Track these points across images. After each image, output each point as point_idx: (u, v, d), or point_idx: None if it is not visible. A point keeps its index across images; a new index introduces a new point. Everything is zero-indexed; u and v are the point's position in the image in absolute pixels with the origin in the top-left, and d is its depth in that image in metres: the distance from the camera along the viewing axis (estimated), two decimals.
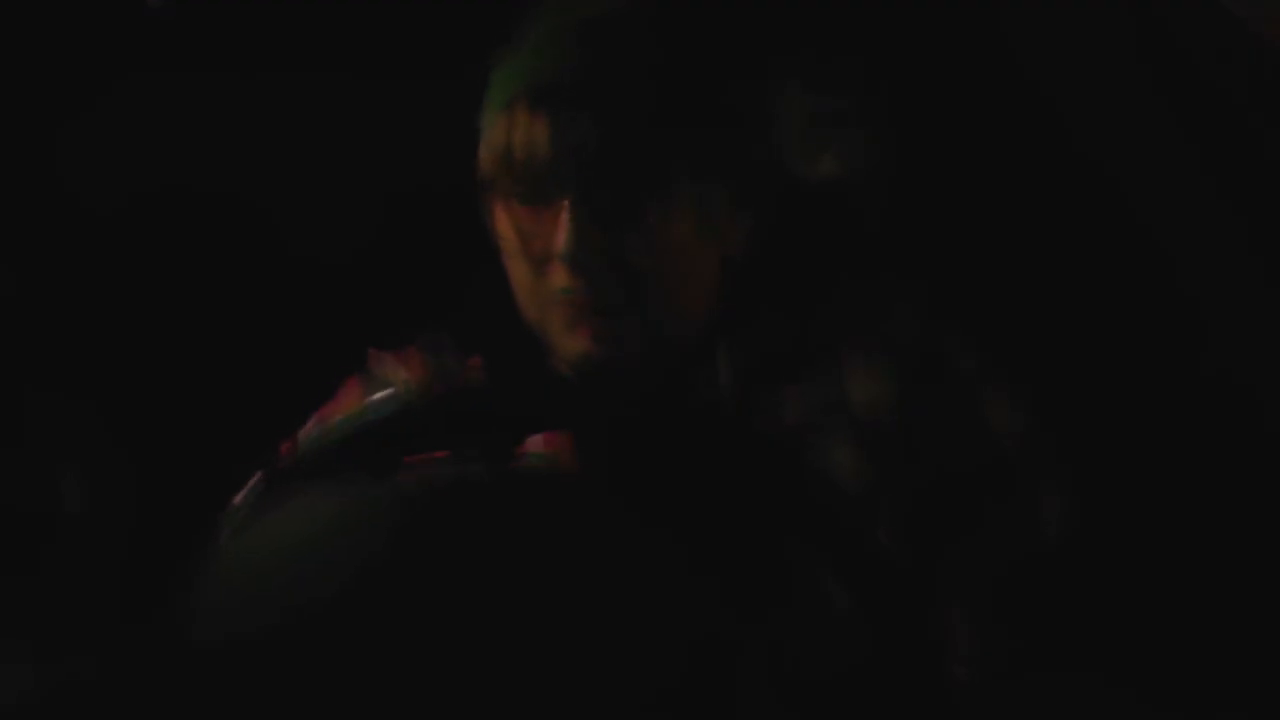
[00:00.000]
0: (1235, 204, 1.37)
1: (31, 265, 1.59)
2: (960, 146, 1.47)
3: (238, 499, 1.33)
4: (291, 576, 1.09)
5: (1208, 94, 1.40)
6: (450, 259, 1.41)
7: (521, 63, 1.33)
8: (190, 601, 1.09)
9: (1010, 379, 1.31)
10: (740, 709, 1.11)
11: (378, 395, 1.32)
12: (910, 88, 1.47)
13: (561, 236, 1.29)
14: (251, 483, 1.32)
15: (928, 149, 1.45)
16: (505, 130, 1.31)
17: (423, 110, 1.53)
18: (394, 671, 1.04)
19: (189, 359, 1.58)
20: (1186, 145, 1.40)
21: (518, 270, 1.33)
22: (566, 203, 1.29)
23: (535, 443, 1.27)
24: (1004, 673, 1.25)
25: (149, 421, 1.55)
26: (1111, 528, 1.31)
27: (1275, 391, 1.35)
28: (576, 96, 1.29)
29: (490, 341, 1.35)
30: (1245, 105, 1.39)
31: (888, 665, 1.23)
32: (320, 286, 1.59)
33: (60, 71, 1.61)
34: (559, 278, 1.30)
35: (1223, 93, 1.39)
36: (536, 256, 1.31)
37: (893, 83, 1.45)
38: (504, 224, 1.34)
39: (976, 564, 1.27)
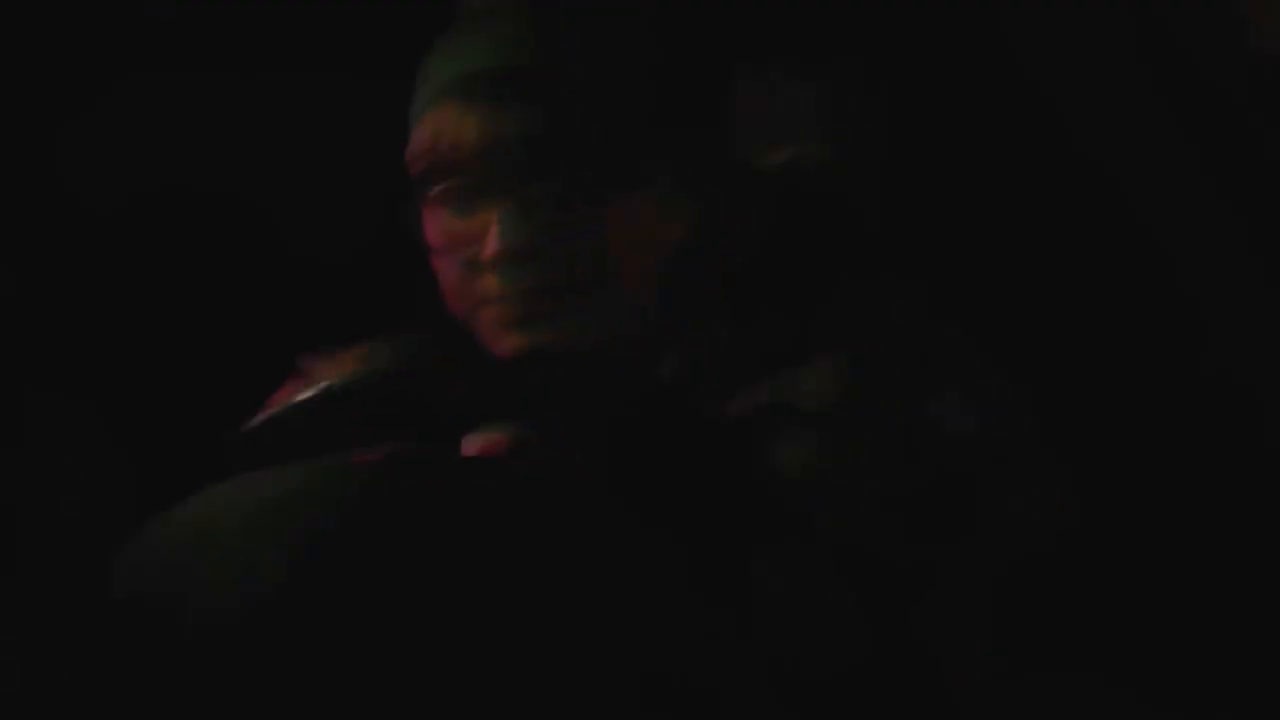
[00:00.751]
0: (1235, 204, 1.37)
1: (31, 265, 1.59)
2: (956, 145, 1.47)
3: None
4: (227, 550, 1.07)
5: (1208, 94, 1.40)
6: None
7: (447, 54, 1.30)
8: (118, 578, 1.09)
9: (1008, 378, 1.31)
10: (736, 708, 1.11)
11: (307, 392, 1.30)
12: (908, 85, 1.46)
13: (491, 243, 1.26)
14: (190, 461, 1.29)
15: (924, 147, 1.45)
16: (432, 125, 1.28)
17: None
18: (323, 660, 1.04)
19: (189, 358, 1.58)
20: (1186, 145, 1.40)
21: (446, 271, 1.31)
22: (496, 206, 1.26)
23: (473, 444, 1.26)
24: (1003, 673, 1.25)
25: (149, 421, 1.54)
26: (1110, 527, 1.30)
27: (1275, 391, 1.35)
28: (506, 88, 1.26)
29: (445, 336, 1.33)
30: (1245, 105, 1.39)
31: (887, 666, 1.23)
32: (320, 285, 1.59)
33: (60, 71, 1.61)
34: (488, 283, 1.28)
35: (1223, 93, 1.39)
36: (465, 259, 1.29)
37: (890, 80, 1.45)
38: (431, 225, 1.31)
39: (975, 564, 1.26)
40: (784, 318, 1.32)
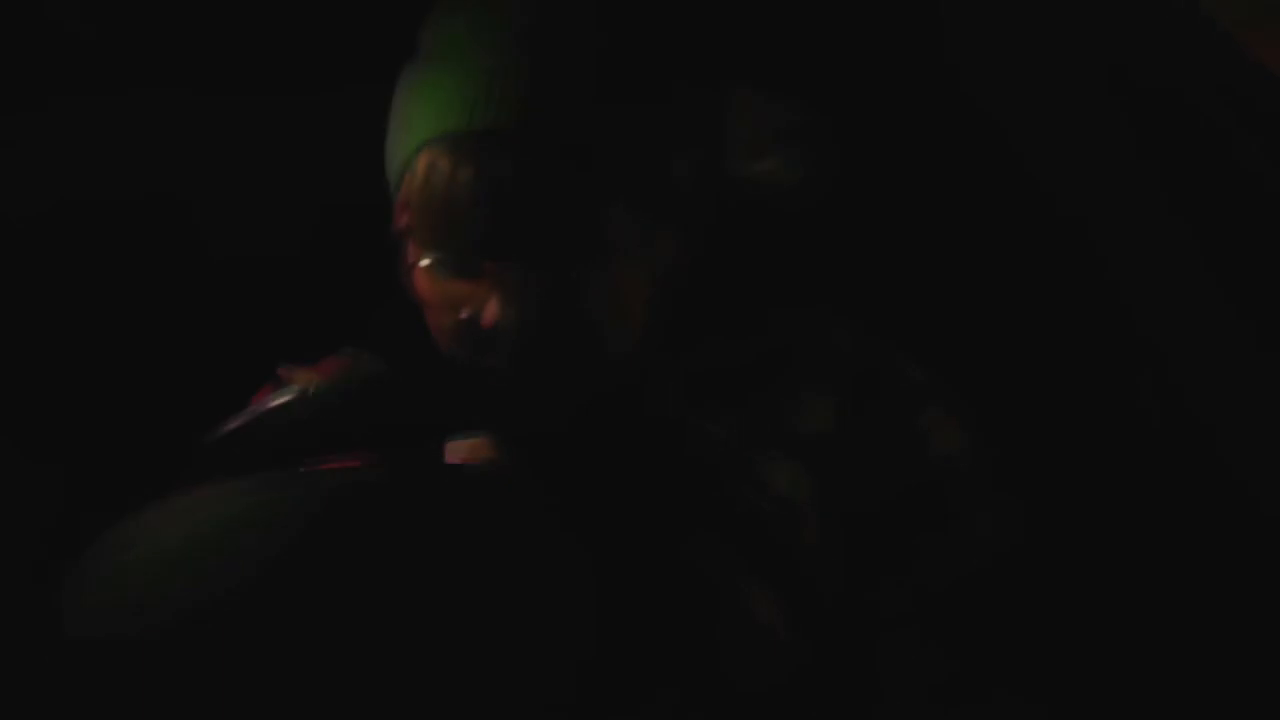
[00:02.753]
0: (1189, 225, 1.35)
1: None
2: (906, 169, 1.45)
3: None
4: (177, 576, 1.07)
5: (1172, 123, 1.38)
6: (371, 267, 1.37)
7: (427, 104, 1.25)
8: (69, 596, 1.08)
9: (955, 406, 1.30)
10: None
11: (284, 396, 1.29)
12: (859, 108, 1.44)
13: (495, 310, 1.23)
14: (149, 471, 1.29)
15: (876, 171, 1.43)
16: (424, 174, 1.23)
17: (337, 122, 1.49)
18: (276, 677, 1.04)
19: (112, 363, 1.55)
20: (1142, 167, 1.37)
21: (442, 324, 1.28)
22: (495, 267, 1.23)
23: (457, 450, 1.25)
24: (938, 699, 1.24)
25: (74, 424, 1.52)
26: (1051, 551, 1.29)
27: (1222, 419, 1.33)
28: (499, 149, 1.22)
29: (411, 346, 1.32)
30: (1217, 134, 1.36)
31: (819, 687, 1.23)
32: (247, 291, 1.56)
33: None
34: (493, 342, 1.24)
35: (1191, 121, 1.37)
36: (465, 318, 1.26)
37: (841, 102, 1.42)
38: (425, 284, 1.27)
39: (911, 588, 1.25)
40: (726, 337, 1.31)
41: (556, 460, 1.24)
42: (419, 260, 1.26)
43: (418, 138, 1.25)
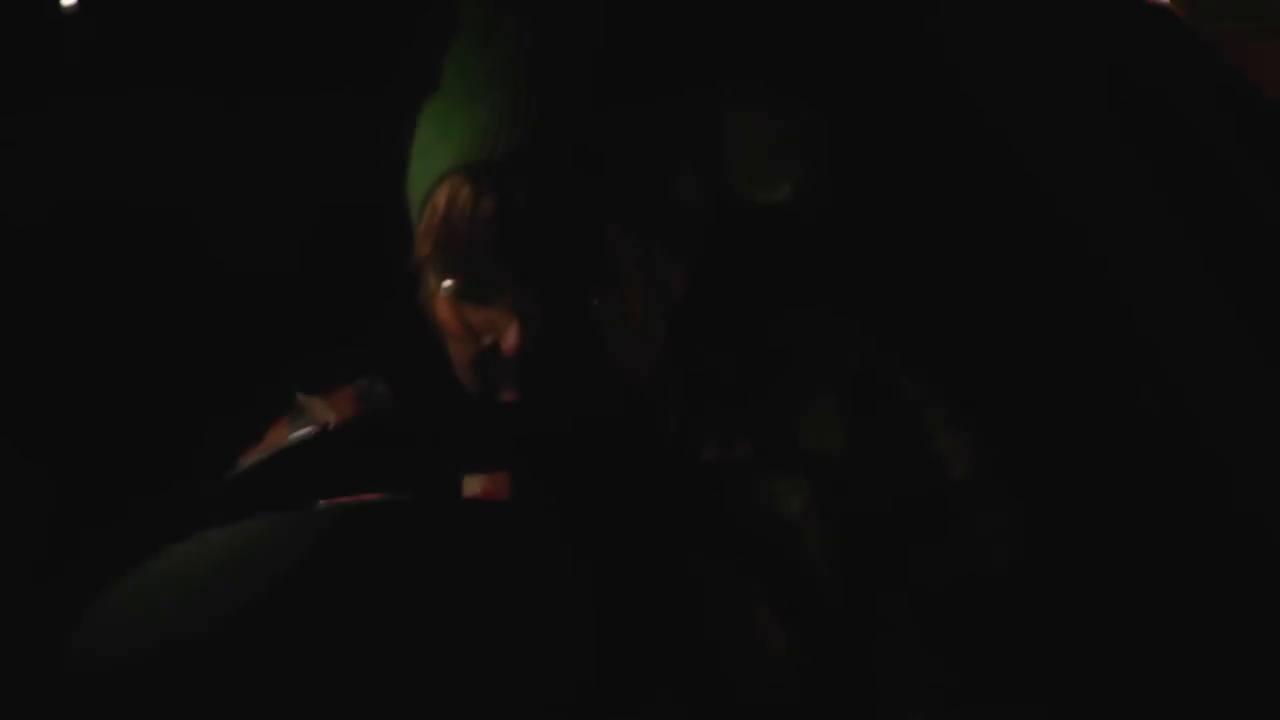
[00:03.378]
0: (1187, 229, 1.35)
1: None
2: (905, 172, 1.45)
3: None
4: (187, 601, 1.08)
5: (1170, 127, 1.37)
6: (371, 266, 1.38)
7: (447, 130, 1.27)
8: (80, 620, 1.08)
9: (955, 408, 1.30)
10: None
11: (301, 432, 1.30)
12: (856, 111, 1.44)
13: (514, 337, 1.24)
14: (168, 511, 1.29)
15: (875, 175, 1.43)
16: (445, 202, 1.25)
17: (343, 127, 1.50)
18: (288, 687, 1.04)
19: (112, 372, 1.55)
20: (1142, 167, 1.37)
21: (464, 355, 1.29)
22: (514, 295, 1.24)
23: (472, 485, 1.26)
24: (937, 699, 1.24)
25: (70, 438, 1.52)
26: (1054, 557, 1.29)
27: (1222, 424, 1.33)
28: (518, 174, 1.24)
29: (419, 372, 1.33)
30: (1214, 139, 1.36)
31: (820, 688, 1.23)
32: (247, 290, 1.56)
33: None
34: (511, 369, 1.25)
35: (1188, 126, 1.37)
36: (483, 346, 1.27)
37: (839, 105, 1.42)
38: (447, 313, 1.28)
39: (914, 594, 1.26)
40: (728, 349, 1.31)
41: (559, 462, 1.24)
42: (440, 289, 1.27)
43: (438, 169, 1.26)
